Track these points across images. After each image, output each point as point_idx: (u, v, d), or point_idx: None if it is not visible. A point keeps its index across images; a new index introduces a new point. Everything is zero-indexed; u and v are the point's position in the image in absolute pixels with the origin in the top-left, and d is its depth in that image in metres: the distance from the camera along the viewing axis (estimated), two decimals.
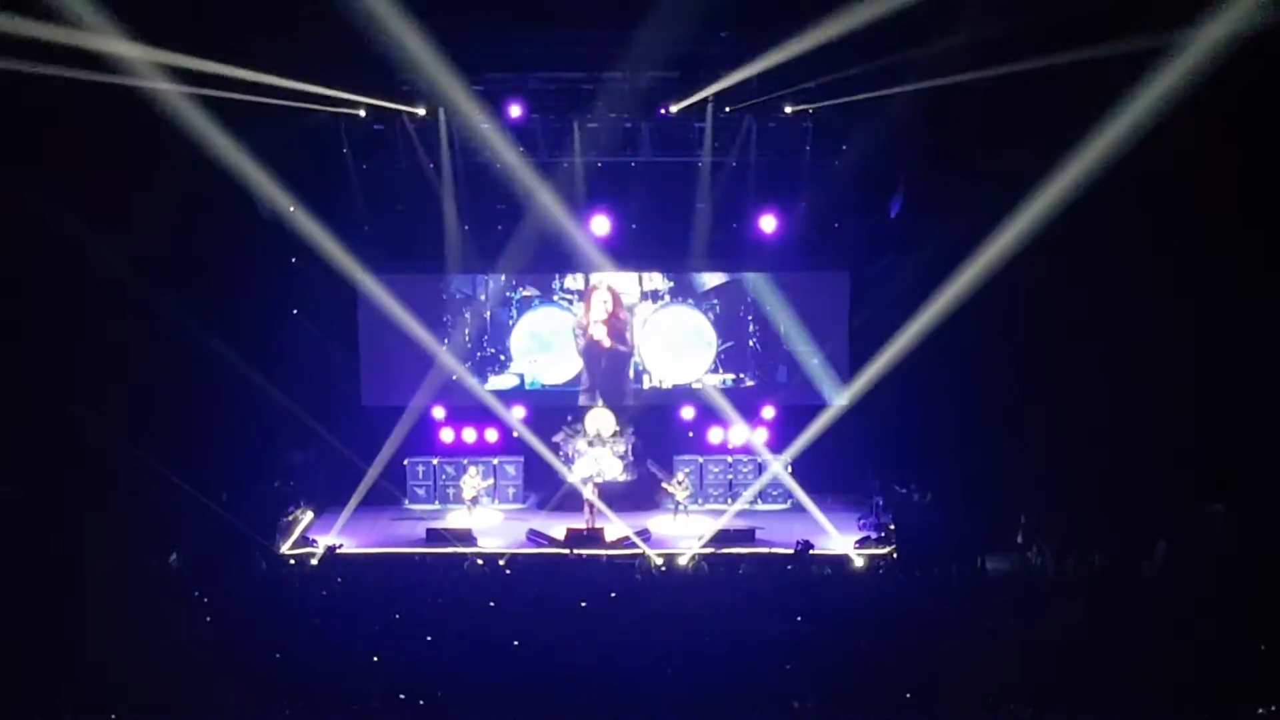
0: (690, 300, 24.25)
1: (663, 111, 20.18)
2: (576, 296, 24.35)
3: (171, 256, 18.34)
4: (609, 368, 24.24)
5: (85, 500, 17.73)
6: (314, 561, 17.83)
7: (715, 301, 24.13)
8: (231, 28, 16.66)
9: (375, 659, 12.21)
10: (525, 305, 24.44)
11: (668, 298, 24.35)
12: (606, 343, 24.40)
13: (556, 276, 24.24)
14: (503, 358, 24.36)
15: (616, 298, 24.31)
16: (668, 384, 24.41)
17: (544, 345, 24.43)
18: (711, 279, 24.13)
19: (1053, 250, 18.26)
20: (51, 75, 14.96)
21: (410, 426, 21.95)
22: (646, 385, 24.40)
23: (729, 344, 24.05)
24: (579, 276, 24.13)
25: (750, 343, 24.17)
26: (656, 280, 24.68)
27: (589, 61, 19.35)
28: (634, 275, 24.41)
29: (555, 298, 24.37)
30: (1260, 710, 10.53)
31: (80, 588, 14.94)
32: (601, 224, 22.86)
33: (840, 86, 18.68)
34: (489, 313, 24.17)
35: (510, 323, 24.24)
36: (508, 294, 24.33)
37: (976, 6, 15.80)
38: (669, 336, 24.37)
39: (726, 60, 18.88)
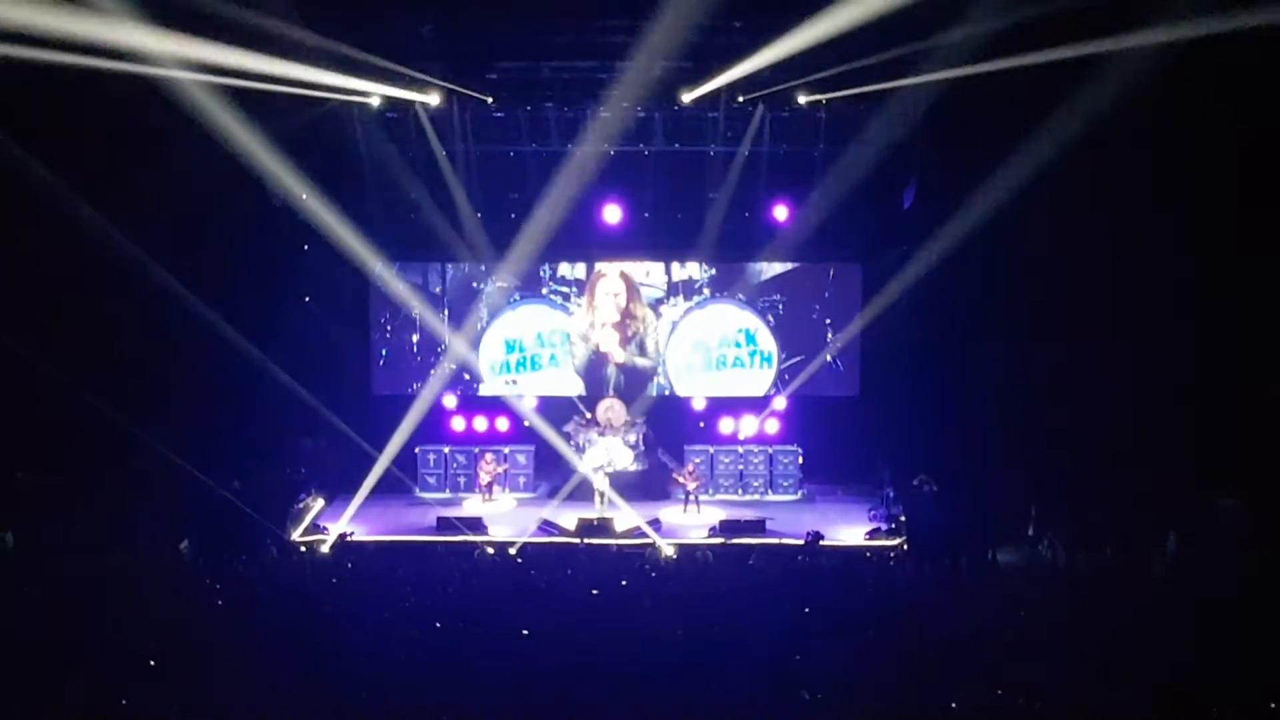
0: (741, 296, 21.16)
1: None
2: (575, 290, 21.24)
3: (184, 243, 18.36)
4: (623, 391, 21.56)
5: (98, 488, 17.80)
6: (325, 549, 17.87)
7: (778, 298, 21.32)
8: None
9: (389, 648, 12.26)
10: (500, 301, 21.47)
11: (707, 291, 21.16)
12: (619, 355, 21.30)
13: (547, 264, 21.27)
14: (466, 376, 21.95)
15: (631, 288, 21.05)
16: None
17: (528, 361, 21.66)
18: (771, 267, 21.05)
19: (1066, 243, 18.22)
20: (64, 61, 14.96)
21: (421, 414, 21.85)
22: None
23: (796, 358, 21.43)
24: (578, 266, 21.37)
25: (828, 357, 21.16)
26: (691, 269, 20.76)
27: (602, 51, 19.32)
28: (657, 262, 20.93)
29: (545, 291, 21.44)
30: (1272, 705, 10.48)
31: (92, 574, 15.00)
32: (614, 212, 20.50)
33: (854, 77, 18.62)
34: (446, 311, 21.70)
35: (479, 326, 21.93)
36: (475, 285, 21.60)
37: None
38: (707, 348, 21.24)
39: (740, 50, 18.83)
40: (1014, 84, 16.81)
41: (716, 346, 21.50)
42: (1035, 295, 19.23)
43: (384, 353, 22.15)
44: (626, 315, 21.52)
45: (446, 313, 21.72)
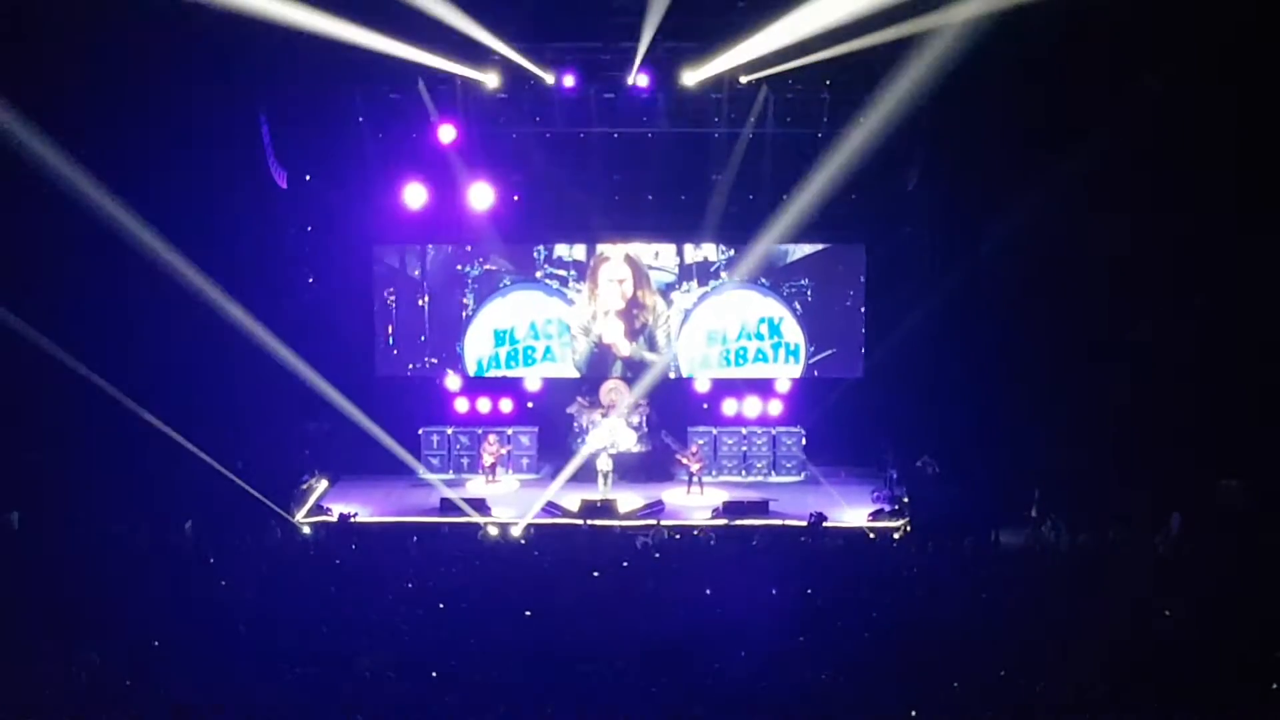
0: (763, 280, 19.44)
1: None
2: (574, 274, 19.55)
3: (188, 224, 18.33)
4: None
5: (102, 469, 17.83)
6: (327, 530, 17.89)
7: (805, 282, 19.53)
8: None
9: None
10: (488, 287, 19.88)
11: (724, 275, 19.51)
12: (625, 348, 19.73)
13: (541, 245, 19.36)
14: (449, 371, 20.49)
15: (639, 273, 19.36)
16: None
17: (520, 354, 20.05)
18: (799, 247, 19.12)
19: (1071, 223, 18.18)
20: (67, 36, 14.93)
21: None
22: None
23: (828, 352, 19.94)
24: (577, 246, 19.55)
25: (864, 350, 19.66)
26: (707, 250, 18.87)
27: (607, 32, 19.19)
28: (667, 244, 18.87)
29: (539, 275, 19.64)
30: (1275, 685, 10.51)
31: (96, 554, 15.05)
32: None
33: (857, 58, 18.48)
34: (426, 298, 20.13)
35: (464, 314, 20.46)
36: (459, 268, 19.97)
37: None
38: (724, 340, 19.58)
39: (744, 31, 18.71)
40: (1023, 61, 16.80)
41: (735, 338, 19.64)
42: (1037, 277, 19.17)
43: (389, 330, 21.60)
44: (633, 304, 19.79)
45: (427, 299, 20.01)
